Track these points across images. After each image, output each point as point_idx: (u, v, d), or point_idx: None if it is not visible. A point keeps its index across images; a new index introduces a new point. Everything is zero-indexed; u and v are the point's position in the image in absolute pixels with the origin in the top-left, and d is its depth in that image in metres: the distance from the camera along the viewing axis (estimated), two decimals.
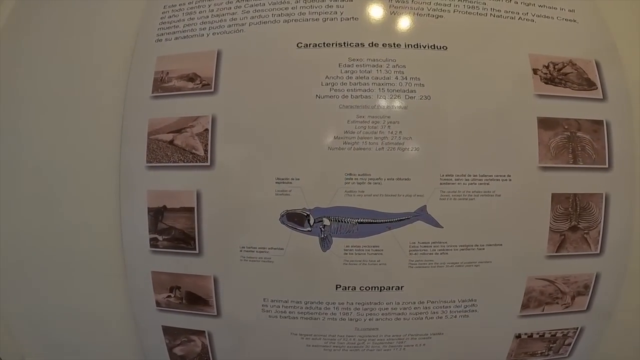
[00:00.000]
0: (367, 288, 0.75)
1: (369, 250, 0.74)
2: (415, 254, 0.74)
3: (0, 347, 0.90)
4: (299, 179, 0.72)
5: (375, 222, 0.73)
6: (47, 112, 0.81)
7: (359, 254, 0.74)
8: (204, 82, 0.76)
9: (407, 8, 0.77)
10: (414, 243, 0.73)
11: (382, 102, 0.72)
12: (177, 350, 0.83)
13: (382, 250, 0.74)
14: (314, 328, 0.78)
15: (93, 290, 0.82)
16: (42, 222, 0.81)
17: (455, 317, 0.77)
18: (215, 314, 0.78)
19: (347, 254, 0.74)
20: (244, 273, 0.75)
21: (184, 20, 0.80)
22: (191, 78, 0.77)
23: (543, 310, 0.78)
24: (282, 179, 0.72)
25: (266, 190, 0.73)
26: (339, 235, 0.73)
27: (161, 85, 0.77)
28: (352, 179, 0.72)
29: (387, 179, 0.72)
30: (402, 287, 0.75)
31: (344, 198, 0.72)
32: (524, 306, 0.77)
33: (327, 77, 0.73)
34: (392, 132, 0.72)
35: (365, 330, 0.78)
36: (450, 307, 0.77)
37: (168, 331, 0.82)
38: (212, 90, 0.75)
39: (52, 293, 0.84)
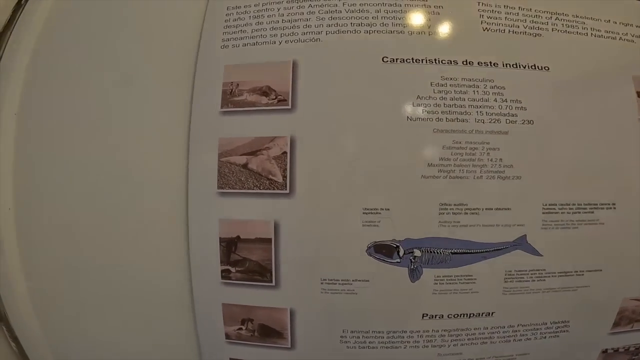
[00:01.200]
0: (456, 315, 0.66)
1: (461, 279, 0.64)
2: (510, 281, 0.65)
3: None
4: (388, 209, 0.61)
5: (471, 252, 0.63)
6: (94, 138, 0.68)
7: (450, 283, 0.64)
8: (279, 97, 0.63)
9: (500, 25, 0.65)
10: (510, 271, 0.64)
11: (481, 127, 0.61)
12: None
13: (476, 279, 0.64)
14: (394, 356, 0.69)
15: (158, 322, 0.70)
16: (104, 256, 0.69)
17: (545, 337, 0.69)
18: (289, 346, 0.68)
19: (437, 283, 0.64)
20: (323, 305, 0.65)
21: (251, 24, 0.66)
22: (265, 92, 0.63)
23: (632, 327, 0.71)
24: (371, 210, 0.61)
25: (352, 221, 0.62)
26: (430, 266, 0.63)
27: (231, 99, 0.63)
28: (447, 209, 0.62)
29: (486, 209, 0.62)
30: (492, 313, 0.66)
31: (437, 229, 0.62)
32: (615, 324, 0.70)
33: (418, 97, 0.61)
34: (491, 160, 0.61)
35: (448, 355, 0.69)
36: (540, 329, 0.69)
37: None
38: (290, 107, 0.62)
39: (113, 325, 0.72)
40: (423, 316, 0.66)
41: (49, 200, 0.69)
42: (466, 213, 0.62)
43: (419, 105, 0.61)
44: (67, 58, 0.70)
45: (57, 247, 0.70)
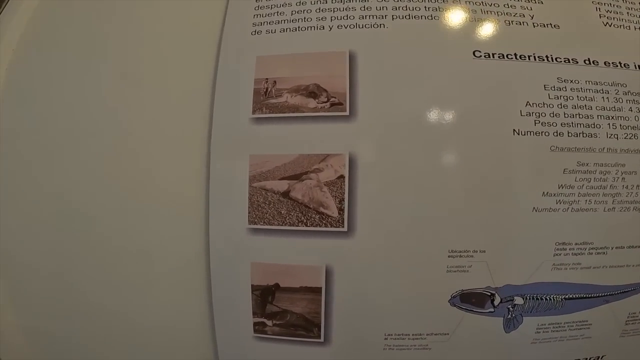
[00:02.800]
0: None
1: (572, 326, 0.44)
2: (632, 323, 0.45)
3: None
4: (484, 252, 0.41)
5: (590, 297, 0.43)
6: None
7: (557, 331, 0.44)
8: (332, 99, 0.41)
9: (623, 20, 0.43)
10: (635, 313, 0.45)
11: (614, 144, 0.40)
12: None
13: (591, 324, 0.44)
14: None
15: None
16: (117, 321, 0.47)
17: None
18: (322, 340, 0.49)
19: (540, 332, 0.44)
20: None
21: (291, 3, 0.43)
22: (312, 92, 0.41)
23: None
24: (459, 252, 0.41)
25: (432, 266, 0.41)
26: (534, 314, 0.43)
27: (266, 102, 0.41)
28: (565, 249, 0.41)
29: (616, 248, 0.42)
30: (603, 356, 0.48)
31: (549, 273, 0.42)
32: None
33: (528, 103, 0.40)
34: (627, 187, 0.40)
35: None
36: None
37: None
38: (347, 112, 0.40)
39: None
40: None
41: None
42: (590, 253, 0.41)
43: (529, 114, 0.39)
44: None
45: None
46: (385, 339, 0.44)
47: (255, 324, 0.44)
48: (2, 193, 0.45)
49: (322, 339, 0.44)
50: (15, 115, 0.46)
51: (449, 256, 0.41)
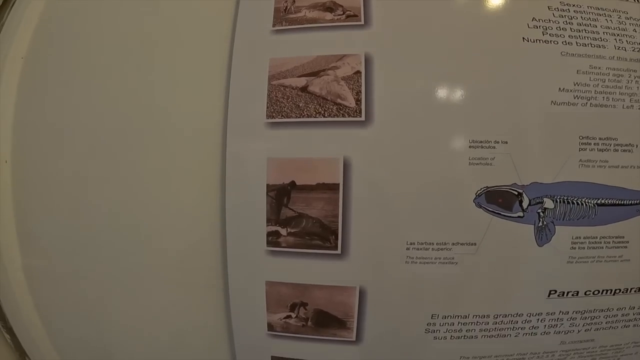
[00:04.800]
0: (596, 292, 0.37)
1: (608, 242, 0.35)
2: None
3: None
4: (506, 142, 0.34)
5: (623, 204, 0.35)
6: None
7: (593, 247, 0.35)
8: (347, 12, 0.38)
9: None
10: None
11: (623, 54, 0.35)
12: None
13: (628, 242, 0.35)
14: (498, 347, 0.38)
15: (180, 305, 0.40)
16: (118, 213, 0.40)
17: None
18: (354, 339, 0.38)
19: (574, 247, 0.35)
20: (407, 280, 0.35)
21: None
22: (329, 7, 0.39)
23: None
24: (480, 142, 0.34)
25: (454, 157, 0.34)
26: (567, 222, 0.34)
27: (286, 17, 0.39)
28: (590, 143, 0.34)
29: None
30: None
31: (577, 170, 0.34)
32: None
33: (534, 19, 0.36)
34: None
35: (574, 343, 0.38)
36: None
37: None
38: (362, 22, 0.38)
39: (124, 306, 0.42)
40: (550, 294, 0.37)
41: (53, 151, 0.42)
42: (616, 150, 0.34)
43: (536, 27, 0.35)
44: None
45: (61, 210, 0.43)
46: (407, 248, 0.35)
47: (269, 234, 0.36)
48: None
49: (338, 250, 0.35)
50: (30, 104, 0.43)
51: (470, 146, 0.34)
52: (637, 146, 0.34)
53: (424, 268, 0.35)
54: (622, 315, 0.38)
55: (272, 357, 0.40)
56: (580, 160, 0.34)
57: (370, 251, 0.35)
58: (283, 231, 0.35)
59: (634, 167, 0.34)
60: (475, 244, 0.34)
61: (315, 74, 0.36)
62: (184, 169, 0.37)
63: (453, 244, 0.34)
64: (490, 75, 0.35)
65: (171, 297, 0.40)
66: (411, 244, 0.35)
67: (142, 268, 0.40)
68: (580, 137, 0.34)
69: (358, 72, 0.35)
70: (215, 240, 0.37)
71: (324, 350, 0.38)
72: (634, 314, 0.38)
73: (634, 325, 0.38)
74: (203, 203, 0.37)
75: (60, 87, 0.41)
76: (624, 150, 0.34)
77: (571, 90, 0.35)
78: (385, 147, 0.34)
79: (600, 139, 0.34)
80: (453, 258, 0.35)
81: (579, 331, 0.38)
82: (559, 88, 0.35)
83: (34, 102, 0.42)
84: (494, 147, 0.34)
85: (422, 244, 0.34)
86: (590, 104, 0.35)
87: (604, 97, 0.35)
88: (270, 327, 0.38)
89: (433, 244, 0.34)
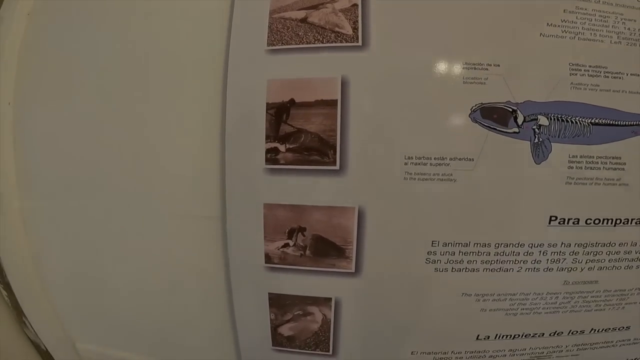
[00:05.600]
0: (597, 221, 0.33)
1: (605, 163, 0.32)
2: None
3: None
4: (498, 66, 0.33)
5: (617, 124, 0.33)
6: None
7: (590, 167, 0.32)
8: None
9: None
10: None
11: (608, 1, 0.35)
12: (285, 329, 0.37)
13: (625, 163, 0.33)
14: (500, 284, 0.34)
15: (177, 236, 0.37)
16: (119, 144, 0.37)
17: None
18: (353, 270, 0.34)
19: (572, 167, 0.32)
20: (407, 199, 0.33)
21: None
22: None
23: None
24: (474, 64, 0.33)
25: (448, 77, 0.33)
26: (562, 139, 0.32)
27: None
28: (580, 69, 0.33)
29: (631, 74, 0.33)
30: None
31: (569, 92, 0.32)
32: None
33: None
34: (629, 29, 0.34)
35: (578, 284, 0.34)
36: None
37: (276, 301, 0.36)
38: None
39: (113, 240, 0.38)
40: (551, 220, 0.34)
41: (54, 93, 0.41)
42: (606, 76, 0.33)
43: None
44: None
45: (61, 151, 0.40)
46: (405, 163, 0.33)
47: (267, 150, 0.34)
48: None
49: (337, 166, 0.33)
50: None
51: (463, 68, 0.33)
52: (627, 74, 0.34)
53: (423, 185, 0.32)
54: (625, 252, 0.35)
55: (269, 293, 0.36)
56: (572, 83, 0.33)
57: (369, 166, 0.33)
58: (282, 147, 0.33)
59: (626, 92, 0.33)
60: (472, 160, 0.32)
61: (314, 7, 0.36)
62: (187, 97, 0.36)
63: (451, 159, 0.32)
64: (482, 7, 0.35)
65: (169, 229, 0.37)
66: (409, 158, 0.32)
67: (140, 200, 0.37)
68: (570, 64, 0.33)
69: (355, 5, 0.36)
70: (215, 170, 0.35)
71: (322, 283, 0.34)
72: (636, 252, 0.34)
73: (637, 267, 0.35)
74: (204, 128, 0.35)
75: (63, 34, 0.40)
76: (614, 77, 0.33)
77: (558, 26, 0.35)
78: (382, 66, 0.33)
79: (590, 66, 0.33)
80: (451, 175, 0.32)
81: (582, 269, 0.35)
82: (547, 23, 0.35)
83: (38, 48, 0.41)
84: (487, 69, 0.33)
85: (420, 158, 0.32)
86: (578, 38, 0.34)
87: (591, 34, 0.34)
88: (268, 258, 0.34)
89: (431, 158, 0.32)
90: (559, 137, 0.33)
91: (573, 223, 0.33)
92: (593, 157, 0.33)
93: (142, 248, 0.37)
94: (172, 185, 0.35)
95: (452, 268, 0.33)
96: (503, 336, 0.37)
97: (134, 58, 0.37)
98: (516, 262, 0.33)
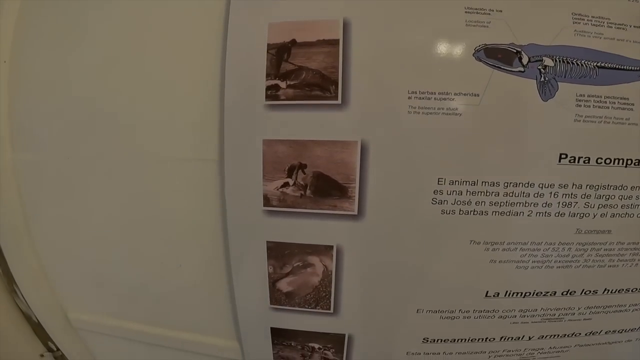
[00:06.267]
0: (608, 161, 0.31)
1: (613, 102, 0.30)
2: None
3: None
4: (501, 11, 0.31)
5: (623, 69, 0.31)
6: None
7: (598, 106, 0.30)
8: None
9: None
10: None
11: None
12: (284, 284, 0.32)
13: (633, 104, 0.30)
14: (510, 231, 0.31)
15: (172, 183, 0.33)
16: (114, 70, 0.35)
17: None
18: (356, 212, 0.31)
19: (580, 105, 0.30)
20: (411, 132, 0.30)
21: None
22: None
23: None
24: (476, 9, 0.31)
25: (450, 20, 0.31)
26: (568, 79, 0.30)
27: None
28: (583, 19, 0.31)
29: (634, 27, 0.31)
30: None
31: (573, 38, 0.31)
32: None
33: None
34: None
35: (590, 233, 0.31)
36: None
37: (275, 251, 0.32)
38: None
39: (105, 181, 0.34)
40: (561, 158, 0.31)
41: (50, 52, 0.39)
42: (610, 27, 0.31)
43: None
44: None
45: (55, 104, 0.38)
46: (409, 97, 0.30)
47: (268, 87, 0.31)
48: None
49: (339, 100, 0.31)
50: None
51: (465, 12, 0.32)
52: (630, 26, 0.32)
53: (427, 119, 0.30)
54: (637, 198, 0.32)
55: (267, 242, 0.32)
56: (575, 30, 0.31)
57: (371, 100, 0.30)
58: (282, 84, 0.31)
59: (630, 41, 0.31)
60: (478, 95, 0.30)
61: None
62: (187, 39, 0.34)
63: (455, 94, 0.30)
64: None
65: (164, 175, 0.33)
66: (413, 92, 0.30)
67: (135, 145, 0.34)
68: (573, 14, 0.32)
69: None
70: (214, 112, 0.32)
71: (324, 228, 0.31)
72: None
73: None
74: (203, 71, 0.33)
75: None
76: (618, 28, 0.32)
77: None
78: (385, 6, 0.32)
79: (592, 16, 0.32)
80: (457, 109, 0.30)
81: (594, 216, 0.31)
82: None
83: (36, 7, 0.40)
84: (489, 14, 0.31)
85: (423, 92, 0.30)
86: None
87: None
88: (267, 201, 0.31)
89: (435, 93, 0.30)
90: (564, 77, 0.31)
91: (584, 162, 0.30)
92: (601, 96, 0.30)
93: (137, 197, 0.34)
94: (169, 128, 0.33)
95: (460, 210, 0.30)
96: (514, 293, 0.33)
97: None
98: (526, 204, 0.30)
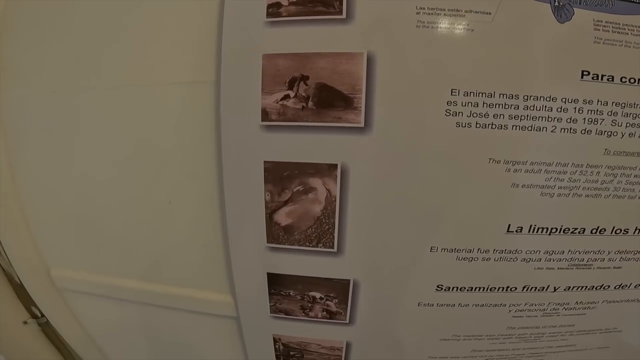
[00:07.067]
0: (632, 80, 0.26)
1: (632, 29, 0.26)
2: None
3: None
4: None
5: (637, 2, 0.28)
6: None
7: (617, 32, 0.26)
8: None
9: None
10: None
11: None
12: (282, 215, 0.28)
13: None
14: (533, 149, 0.26)
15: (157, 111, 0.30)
16: None
17: None
18: (362, 124, 0.27)
19: (598, 29, 0.26)
20: (420, 46, 0.26)
21: None
22: None
23: None
24: None
25: None
26: (583, 6, 0.27)
27: None
28: None
29: None
30: None
31: None
32: None
33: None
34: None
35: (620, 155, 0.27)
36: None
37: (273, 173, 0.28)
38: None
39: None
40: (583, 75, 0.27)
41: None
42: None
43: None
44: None
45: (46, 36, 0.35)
46: (417, 13, 0.27)
47: (269, 5, 0.28)
48: None
49: (343, 15, 0.27)
50: None
51: None
52: None
53: (437, 33, 0.27)
54: None
55: (264, 162, 0.28)
56: None
57: (378, 15, 0.27)
58: (284, 1, 0.28)
59: None
60: (490, 13, 0.27)
61: None
62: None
63: (466, 11, 0.27)
64: None
65: (158, 100, 0.30)
66: (421, 8, 0.27)
67: (127, 70, 0.31)
68: None
69: None
70: (212, 32, 0.29)
71: (326, 145, 0.27)
72: None
73: None
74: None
75: None
76: None
77: None
78: None
79: None
80: (468, 24, 0.27)
81: (622, 135, 0.27)
82: None
83: None
84: None
85: (432, 9, 0.27)
86: None
87: None
88: (265, 115, 0.27)
89: (444, 9, 0.27)
90: (580, 4, 0.27)
91: (607, 80, 0.26)
92: (619, 24, 0.27)
93: (126, 128, 0.30)
94: (164, 50, 0.30)
95: (477, 123, 0.26)
96: (538, 229, 0.28)
97: None
98: (550, 119, 0.26)
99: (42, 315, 0.40)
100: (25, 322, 0.40)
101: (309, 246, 0.28)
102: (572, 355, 0.34)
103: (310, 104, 0.26)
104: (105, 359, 0.41)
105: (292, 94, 0.26)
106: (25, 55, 0.33)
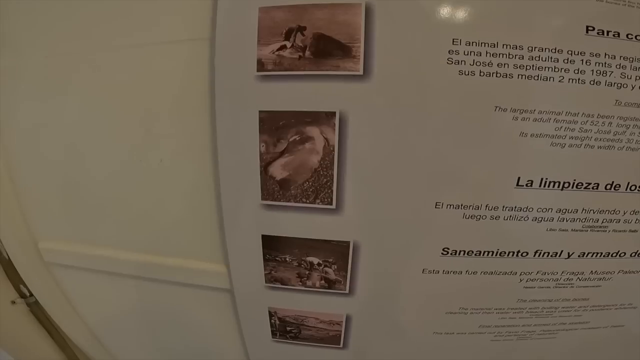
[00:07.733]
0: (629, 37, 0.24)
1: None
2: None
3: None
4: None
5: None
6: None
7: None
8: None
9: None
10: None
11: None
12: (277, 168, 0.25)
13: None
14: (541, 97, 0.24)
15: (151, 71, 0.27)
16: None
17: None
18: (361, 72, 0.24)
19: None
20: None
21: None
22: None
23: None
24: None
25: None
26: None
27: None
28: None
29: None
30: None
31: None
32: None
33: None
34: None
35: (631, 106, 0.24)
36: None
37: (268, 124, 0.25)
38: None
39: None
40: (588, 30, 0.24)
41: None
42: None
43: None
44: None
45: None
46: None
47: None
48: None
49: None
50: None
51: None
52: None
53: None
54: None
55: (259, 112, 0.25)
56: None
57: None
58: None
59: None
60: None
61: None
62: None
63: None
64: None
65: (152, 59, 0.28)
66: None
67: (120, 28, 0.29)
68: None
69: None
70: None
71: (324, 93, 0.25)
72: None
73: None
74: None
75: None
76: None
77: None
78: None
79: None
80: None
81: (632, 87, 0.25)
82: None
83: None
84: None
85: None
86: None
87: None
88: (260, 65, 0.25)
89: None
90: None
91: (613, 35, 0.24)
92: None
93: (116, 88, 0.28)
94: (159, 9, 0.28)
95: (481, 72, 0.24)
96: (550, 183, 0.25)
97: None
98: (556, 69, 0.24)
99: (31, 295, 0.36)
100: (13, 302, 0.37)
101: (305, 202, 0.25)
102: (585, 334, 0.30)
103: (307, 53, 0.24)
104: (95, 339, 0.37)
105: (288, 44, 0.24)
106: (17, 21, 0.31)
